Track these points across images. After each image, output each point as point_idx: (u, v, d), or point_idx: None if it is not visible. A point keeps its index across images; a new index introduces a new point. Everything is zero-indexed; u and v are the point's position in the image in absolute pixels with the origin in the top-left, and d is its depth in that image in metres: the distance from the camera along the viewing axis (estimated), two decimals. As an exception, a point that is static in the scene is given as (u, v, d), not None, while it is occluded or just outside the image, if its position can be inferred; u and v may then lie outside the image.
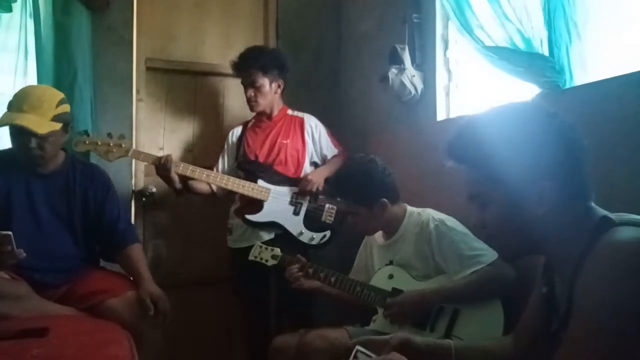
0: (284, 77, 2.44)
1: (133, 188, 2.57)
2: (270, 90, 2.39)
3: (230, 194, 2.40)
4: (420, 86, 2.23)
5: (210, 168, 2.37)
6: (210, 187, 2.37)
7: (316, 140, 2.47)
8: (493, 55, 1.76)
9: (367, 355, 1.12)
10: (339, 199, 1.94)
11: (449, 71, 2.23)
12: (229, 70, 2.48)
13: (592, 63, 1.54)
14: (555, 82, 1.58)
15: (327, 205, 2.36)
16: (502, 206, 0.97)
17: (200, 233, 2.70)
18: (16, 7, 2.15)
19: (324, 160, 2.48)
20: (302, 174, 2.39)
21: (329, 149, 2.49)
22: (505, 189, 0.95)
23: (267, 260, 2.00)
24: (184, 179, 2.27)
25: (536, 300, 1.11)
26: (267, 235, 2.30)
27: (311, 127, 2.47)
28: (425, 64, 2.24)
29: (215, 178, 2.27)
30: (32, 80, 2.19)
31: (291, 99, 2.57)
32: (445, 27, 2.22)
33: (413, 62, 2.23)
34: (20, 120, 1.71)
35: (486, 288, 1.65)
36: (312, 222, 2.34)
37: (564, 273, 0.93)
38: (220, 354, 2.74)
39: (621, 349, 0.78)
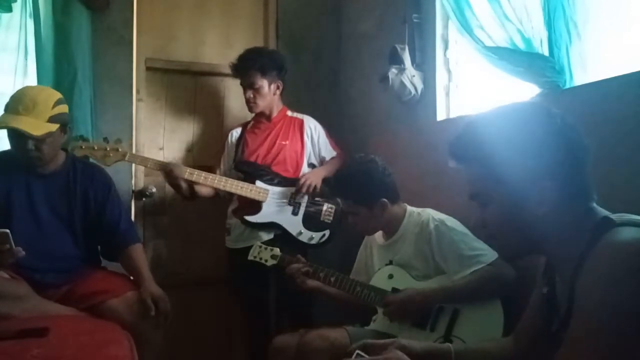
0: (283, 78, 2.44)
1: (133, 188, 2.57)
2: (269, 91, 2.40)
3: (233, 195, 2.40)
4: (420, 86, 2.23)
5: (210, 169, 2.37)
6: (214, 189, 2.37)
7: (315, 142, 2.47)
8: (493, 56, 1.76)
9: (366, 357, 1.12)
10: (339, 199, 1.94)
11: (449, 71, 2.23)
12: (229, 70, 2.48)
13: (592, 63, 1.54)
14: (555, 82, 1.58)
15: (325, 205, 2.36)
16: (502, 206, 0.97)
17: (200, 233, 2.70)
18: (16, 7, 2.15)
19: (322, 163, 2.48)
20: (300, 175, 2.39)
21: (328, 151, 2.49)
22: (505, 189, 0.95)
23: (266, 260, 2.00)
24: (191, 184, 2.27)
25: (537, 300, 1.11)
26: (266, 236, 2.30)
27: (310, 129, 2.48)
28: (425, 64, 2.24)
29: (214, 180, 2.27)
30: (32, 80, 2.19)
31: (291, 99, 2.57)
32: (445, 27, 2.22)
33: (413, 62, 2.23)
34: (15, 123, 1.70)
35: (486, 288, 1.65)
36: (311, 221, 2.34)
37: (565, 273, 0.93)
38: (220, 354, 2.74)
39: (621, 349, 0.78)
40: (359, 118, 2.79)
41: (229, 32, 2.82)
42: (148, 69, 2.65)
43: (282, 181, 2.35)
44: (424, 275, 1.80)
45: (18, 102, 1.74)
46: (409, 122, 2.36)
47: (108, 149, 2.14)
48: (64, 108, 1.84)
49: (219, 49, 2.79)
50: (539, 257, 1.09)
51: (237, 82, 2.47)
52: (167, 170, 2.21)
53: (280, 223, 2.31)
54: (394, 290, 1.78)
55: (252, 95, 2.38)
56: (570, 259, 0.89)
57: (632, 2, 1.49)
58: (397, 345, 1.16)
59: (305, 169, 2.43)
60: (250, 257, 2.03)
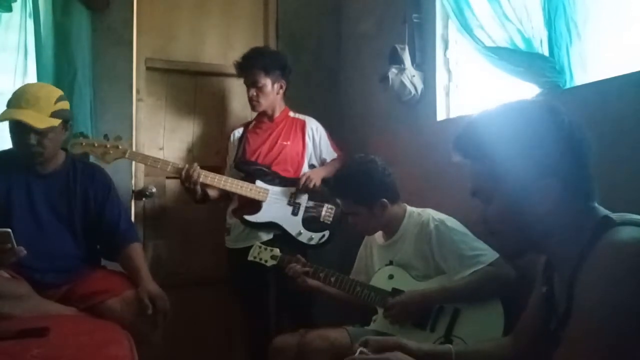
0: (286, 78, 2.44)
1: (133, 188, 2.57)
2: (272, 90, 2.40)
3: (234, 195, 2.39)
4: (420, 86, 2.23)
5: (211, 168, 2.37)
6: (219, 192, 2.35)
7: (317, 143, 2.47)
8: (493, 56, 1.76)
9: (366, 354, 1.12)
10: (339, 200, 1.94)
11: (449, 71, 2.23)
12: (229, 70, 2.48)
13: (592, 63, 1.54)
14: (555, 82, 1.58)
15: (325, 205, 2.36)
16: (503, 203, 0.97)
17: (200, 233, 2.70)
18: (16, 7, 2.15)
19: (322, 164, 2.48)
20: (300, 175, 2.39)
21: (329, 152, 2.49)
22: (507, 187, 0.95)
23: (266, 261, 2.00)
24: (203, 187, 2.26)
25: (536, 299, 1.11)
26: (265, 236, 2.30)
27: (312, 130, 2.48)
28: (425, 64, 2.24)
29: (214, 179, 2.26)
30: (32, 79, 2.19)
31: (291, 99, 2.57)
32: (445, 27, 2.22)
33: (413, 62, 2.23)
34: (19, 115, 1.71)
35: (486, 288, 1.65)
36: (311, 222, 2.34)
37: (564, 272, 0.93)
38: (220, 354, 2.74)
39: (621, 349, 0.78)
40: (359, 118, 2.79)
41: (229, 32, 2.82)
42: (148, 68, 2.65)
43: (283, 181, 2.35)
44: (424, 276, 1.80)
45: (20, 97, 1.75)
46: (409, 122, 2.36)
47: (108, 146, 2.13)
48: (65, 104, 1.85)
49: (219, 49, 2.79)
50: (539, 257, 1.10)
51: (238, 82, 2.47)
52: (187, 175, 2.18)
53: (280, 223, 2.31)
54: (394, 290, 1.78)
55: (255, 94, 2.38)
56: (570, 258, 0.89)
57: (632, 2, 1.49)
58: (397, 345, 1.16)
59: (305, 169, 2.43)
60: (249, 258, 2.03)
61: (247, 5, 2.88)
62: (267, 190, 2.31)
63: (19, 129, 1.75)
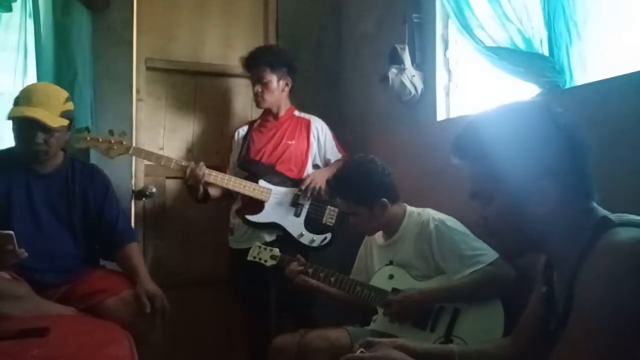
0: (292, 76, 2.43)
1: (133, 188, 2.57)
2: (277, 87, 2.39)
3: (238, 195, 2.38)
4: (420, 86, 2.23)
5: (211, 168, 2.37)
6: (222, 189, 2.35)
7: (322, 143, 2.47)
8: (493, 56, 1.76)
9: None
10: (339, 200, 1.93)
11: (449, 71, 2.23)
12: (229, 70, 2.48)
13: (592, 63, 1.54)
14: (555, 82, 1.58)
15: (328, 207, 2.35)
16: (503, 204, 0.97)
17: (200, 233, 2.70)
18: (16, 6, 2.15)
19: (326, 164, 2.47)
20: (304, 176, 2.38)
21: (333, 153, 2.48)
22: (506, 188, 0.95)
23: (266, 261, 2.00)
24: (205, 186, 2.26)
25: (536, 299, 1.11)
26: (268, 237, 2.29)
27: (317, 130, 2.47)
28: (425, 64, 2.24)
29: (217, 177, 2.26)
30: (32, 80, 2.19)
31: (291, 98, 2.56)
32: (445, 27, 2.21)
33: (413, 62, 2.23)
34: (32, 113, 1.71)
35: (486, 288, 1.65)
36: (313, 224, 2.33)
37: (564, 272, 0.93)
38: (220, 354, 2.74)
39: (620, 349, 0.78)
40: (359, 118, 2.79)
41: (229, 32, 2.82)
42: (148, 68, 2.65)
43: (286, 181, 2.34)
44: (424, 275, 1.80)
45: (31, 95, 1.76)
46: (409, 122, 2.36)
47: (112, 141, 2.12)
48: (71, 105, 1.87)
49: (219, 49, 2.79)
50: (539, 257, 1.10)
51: (238, 81, 2.47)
52: (192, 172, 2.18)
53: (282, 224, 2.30)
54: (394, 290, 1.78)
55: (260, 90, 2.38)
56: (570, 258, 0.89)
57: (632, 2, 1.49)
58: (397, 344, 1.16)
59: (309, 169, 2.42)
60: (249, 258, 2.03)
61: (247, 5, 2.88)
62: (270, 190, 2.30)
63: (27, 126, 1.74)
